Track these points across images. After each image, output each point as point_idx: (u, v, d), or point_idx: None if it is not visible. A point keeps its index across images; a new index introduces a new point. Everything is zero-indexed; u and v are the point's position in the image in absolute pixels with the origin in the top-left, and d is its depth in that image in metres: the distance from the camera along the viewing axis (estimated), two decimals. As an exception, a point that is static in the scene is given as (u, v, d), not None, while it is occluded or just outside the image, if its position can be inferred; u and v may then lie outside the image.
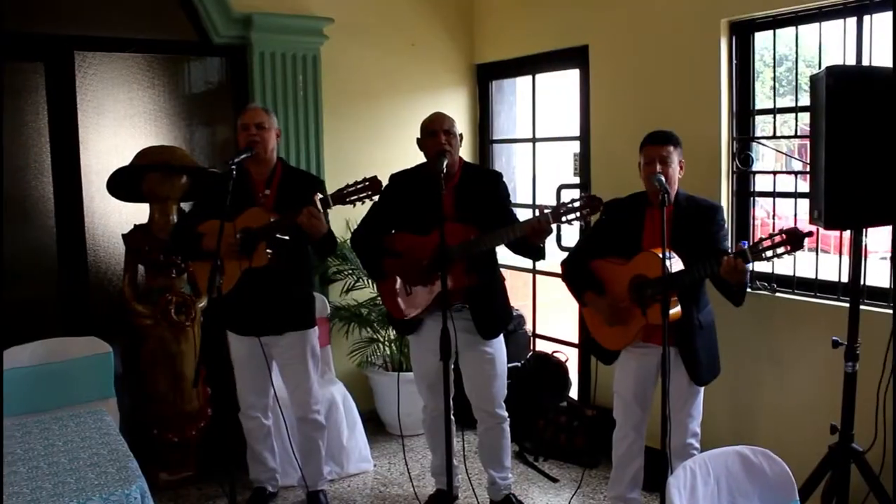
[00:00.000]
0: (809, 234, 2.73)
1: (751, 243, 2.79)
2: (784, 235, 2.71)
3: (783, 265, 3.48)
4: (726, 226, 3.21)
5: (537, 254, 3.36)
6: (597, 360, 3.40)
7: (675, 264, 2.94)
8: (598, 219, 3.30)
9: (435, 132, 3.33)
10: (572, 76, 4.72)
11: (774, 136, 3.80)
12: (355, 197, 3.19)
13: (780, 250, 2.72)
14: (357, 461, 4.24)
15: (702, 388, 3.17)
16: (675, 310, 2.96)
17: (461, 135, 3.42)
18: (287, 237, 3.27)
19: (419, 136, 3.42)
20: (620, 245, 3.18)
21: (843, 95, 2.74)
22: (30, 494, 2.26)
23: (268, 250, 3.26)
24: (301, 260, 3.53)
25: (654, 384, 3.25)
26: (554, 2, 4.66)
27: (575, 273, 3.30)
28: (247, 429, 3.72)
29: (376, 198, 3.25)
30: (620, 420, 3.31)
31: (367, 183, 3.18)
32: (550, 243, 3.37)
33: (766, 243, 2.74)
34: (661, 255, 2.85)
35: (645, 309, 3.00)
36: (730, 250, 3.15)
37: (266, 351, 3.49)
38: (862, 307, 3.07)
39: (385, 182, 3.34)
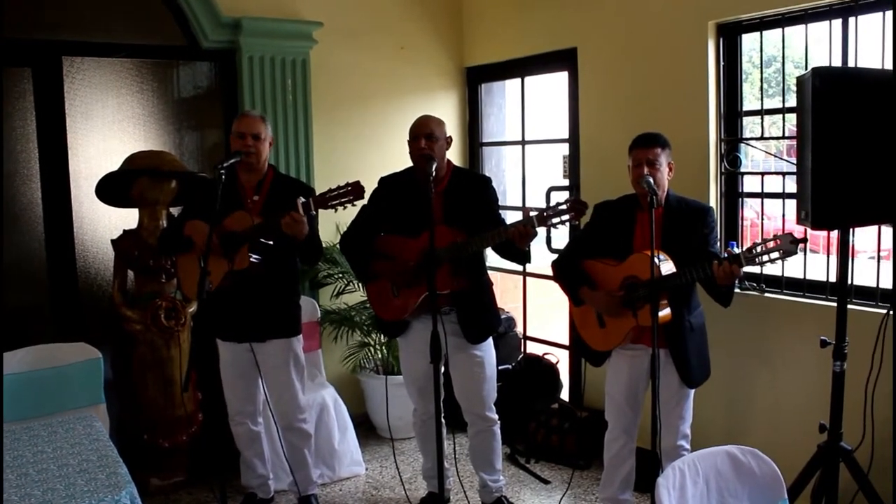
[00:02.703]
0: (804, 240, 2.74)
1: (739, 244, 2.80)
2: (777, 241, 2.72)
3: (772, 265, 3.50)
4: (717, 227, 3.23)
5: (523, 258, 3.36)
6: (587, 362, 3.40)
7: (668, 266, 2.95)
8: (589, 220, 3.30)
9: (417, 136, 3.33)
10: (561, 79, 4.74)
11: (762, 138, 3.81)
12: (337, 202, 3.16)
13: (773, 255, 2.75)
14: (348, 465, 4.24)
15: (692, 390, 3.18)
16: (665, 312, 2.97)
17: (450, 138, 3.42)
18: (271, 242, 3.26)
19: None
20: (612, 247, 3.18)
21: (829, 96, 2.76)
22: (18, 502, 2.25)
23: (251, 255, 3.24)
24: (286, 267, 3.50)
25: (645, 386, 3.25)
26: (542, 5, 4.67)
27: (567, 271, 3.29)
28: (235, 434, 3.70)
29: (359, 203, 3.23)
30: (612, 422, 3.32)
31: (349, 188, 3.16)
32: (541, 246, 3.37)
33: (760, 248, 2.76)
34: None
35: (635, 311, 3.01)
36: (719, 251, 3.17)
37: (253, 357, 3.46)
38: (850, 306, 3.08)
39: (369, 186, 3.32)
